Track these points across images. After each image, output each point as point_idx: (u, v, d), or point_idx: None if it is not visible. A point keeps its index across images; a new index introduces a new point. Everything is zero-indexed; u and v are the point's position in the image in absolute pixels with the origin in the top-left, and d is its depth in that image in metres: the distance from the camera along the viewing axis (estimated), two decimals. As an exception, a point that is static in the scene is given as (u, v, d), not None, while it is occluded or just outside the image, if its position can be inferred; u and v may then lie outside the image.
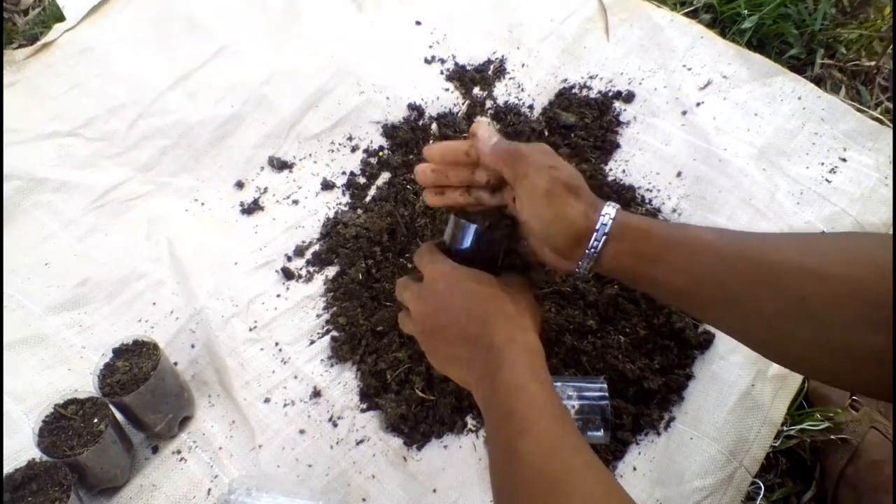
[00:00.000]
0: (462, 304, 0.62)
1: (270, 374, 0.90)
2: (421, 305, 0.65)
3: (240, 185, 1.10)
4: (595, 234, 0.60)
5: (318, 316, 0.96)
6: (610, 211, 0.60)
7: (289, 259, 1.02)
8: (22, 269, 1.00)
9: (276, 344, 0.93)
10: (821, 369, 0.55)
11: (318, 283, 0.99)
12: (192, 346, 0.94)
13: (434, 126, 1.15)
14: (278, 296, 0.98)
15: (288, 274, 1.00)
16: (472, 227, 0.66)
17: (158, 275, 1.00)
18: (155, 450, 0.86)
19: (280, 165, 1.12)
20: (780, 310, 0.53)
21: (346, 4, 1.29)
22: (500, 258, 0.69)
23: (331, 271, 1.00)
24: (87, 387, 0.82)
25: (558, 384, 0.83)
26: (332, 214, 1.06)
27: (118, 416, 0.83)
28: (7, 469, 0.75)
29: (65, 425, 0.79)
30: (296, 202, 1.08)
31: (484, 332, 0.60)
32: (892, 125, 1.13)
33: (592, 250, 0.60)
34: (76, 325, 0.95)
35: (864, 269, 0.50)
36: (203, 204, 1.08)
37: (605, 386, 0.83)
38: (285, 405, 0.88)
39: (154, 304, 0.97)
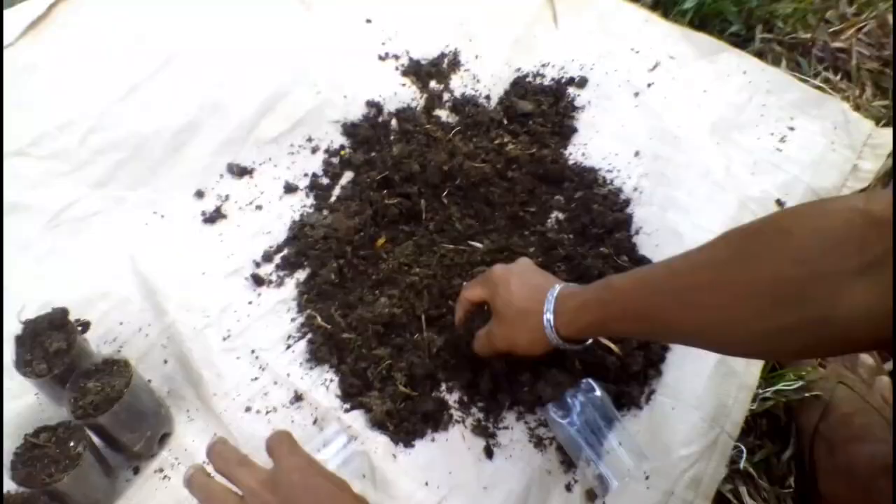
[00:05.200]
0: (313, 500, 0.62)
1: (249, 383, 0.89)
2: (268, 492, 0.62)
3: (200, 194, 1.08)
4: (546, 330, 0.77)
5: (293, 320, 0.95)
6: (554, 292, 0.78)
7: (257, 265, 1.00)
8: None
9: (253, 351, 0.91)
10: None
11: (290, 286, 0.98)
12: (165, 362, 0.91)
13: (394, 122, 1.15)
14: (250, 303, 0.96)
15: (258, 280, 0.98)
16: None
17: (123, 292, 0.96)
18: (136, 470, 0.83)
19: (240, 171, 1.10)
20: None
21: (294, 4, 1.27)
22: None
23: (302, 274, 0.99)
24: (60, 413, 0.79)
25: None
26: (297, 217, 1.05)
27: (95, 439, 0.80)
28: (-19, 504, 0.72)
29: (39, 454, 0.75)
30: (259, 207, 1.06)
31: None
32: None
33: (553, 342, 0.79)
34: (40, 350, 0.92)
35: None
36: (163, 216, 1.06)
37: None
38: (267, 412, 0.87)
39: (121, 323, 0.94)
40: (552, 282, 0.80)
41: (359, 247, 1.00)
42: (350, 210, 1.04)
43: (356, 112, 1.16)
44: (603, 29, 1.28)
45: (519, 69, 1.23)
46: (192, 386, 0.89)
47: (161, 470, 0.83)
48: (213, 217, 1.05)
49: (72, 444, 0.75)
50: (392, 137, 1.13)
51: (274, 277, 0.99)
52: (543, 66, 1.24)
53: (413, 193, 1.05)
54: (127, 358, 0.81)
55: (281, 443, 0.66)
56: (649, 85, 1.20)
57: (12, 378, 0.87)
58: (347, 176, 1.09)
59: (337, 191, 1.08)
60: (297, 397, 0.88)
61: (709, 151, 1.10)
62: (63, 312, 0.83)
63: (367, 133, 1.13)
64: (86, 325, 0.85)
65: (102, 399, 0.78)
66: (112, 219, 1.04)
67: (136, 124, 1.11)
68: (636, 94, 1.19)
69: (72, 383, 0.79)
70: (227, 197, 1.07)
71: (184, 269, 0.98)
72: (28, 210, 1.04)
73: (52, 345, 0.81)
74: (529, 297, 0.79)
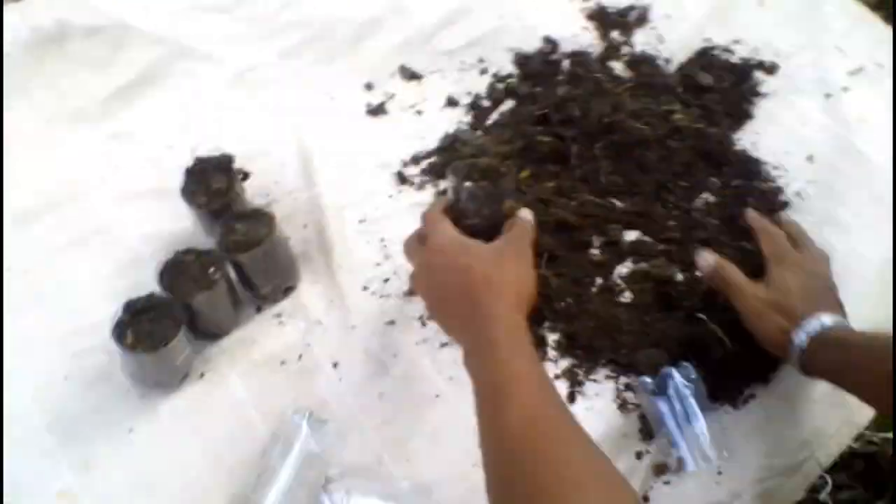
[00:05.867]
0: (455, 279, 0.66)
1: (372, 266, 0.94)
2: (421, 275, 0.71)
3: (369, 86, 1.13)
4: (791, 348, 0.73)
5: (425, 223, 0.99)
6: (811, 328, 0.72)
7: (404, 164, 1.05)
8: (165, 131, 1.07)
9: (382, 240, 0.97)
10: None
11: (428, 192, 1.02)
12: (305, 227, 0.98)
13: (567, 63, 1.14)
14: (390, 196, 1.01)
15: (402, 178, 1.03)
16: (470, 190, 0.73)
17: (283, 156, 1.05)
18: (258, 310, 0.92)
19: (410, 75, 1.14)
20: None
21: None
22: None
23: (442, 185, 1.03)
24: (209, 244, 0.88)
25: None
26: (451, 130, 1.08)
27: (231, 274, 0.89)
28: (131, 296, 0.82)
29: (183, 270, 0.85)
30: (419, 113, 1.10)
31: (471, 309, 0.64)
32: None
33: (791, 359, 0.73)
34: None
35: None
36: (332, 98, 1.12)
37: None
38: (381, 297, 0.92)
39: (276, 182, 1.03)
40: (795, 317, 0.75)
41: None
42: (503, 137, 1.06)
43: (532, 44, 1.16)
44: (811, 17, 1.19)
45: (709, 39, 1.18)
46: (322, 254, 0.96)
47: (279, 315, 0.91)
48: (376, 110, 1.10)
49: (212, 270, 0.84)
50: (560, 77, 1.13)
51: (416, 180, 1.03)
52: (736, 42, 1.18)
53: (567, 136, 1.05)
54: (273, 213, 0.89)
55: (427, 219, 0.72)
56: (845, 89, 1.11)
57: (177, 205, 0.98)
58: (508, 104, 1.11)
59: (495, 115, 1.10)
60: (411, 292, 0.93)
61: (890, 175, 1.02)
62: (228, 159, 0.92)
63: (538, 67, 1.13)
64: (246, 175, 0.94)
65: (245, 241, 0.86)
66: (288, 88, 1.12)
67: (329, 7, 1.17)
68: (827, 96, 1.11)
69: (224, 220, 0.88)
70: (392, 96, 1.12)
71: (339, 150, 1.05)
72: (218, 62, 1.14)
73: (215, 184, 0.90)
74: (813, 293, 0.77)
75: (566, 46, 1.16)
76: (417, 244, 0.74)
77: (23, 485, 0.78)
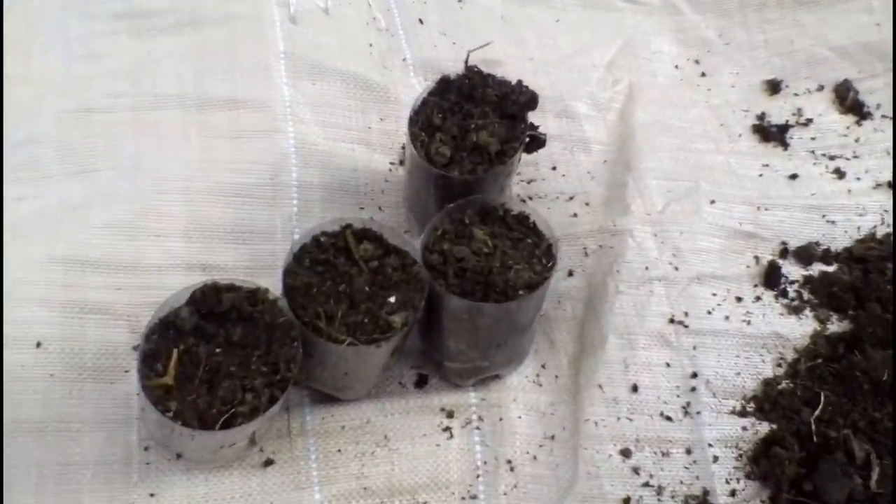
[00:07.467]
0: None
1: (655, 416, 0.48)
2: None
3: (774, 87, 0.65)
4: None
5: (777, 382, 0.50)
6: None
7: (784, 254, 0.56)
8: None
9: (694, 375, 0.50)
10: None
11: (807, 325, 0.53)
12: (570, 275, 0.54)
13: None
14: (739, 300, 0.53)
15: (771, 278, 0.54)
16: None
17: (590, 127, 0.61)
18: (420, 384, 0.49)
19: (851, 103, 0.64)
20: None
21: None
22: None
23: (835, 325, 0.53)
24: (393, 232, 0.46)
25: None
26: (882, 230, 0.58)
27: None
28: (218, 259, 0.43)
29: (338, 274, 0.42)
30: (839, 174, 0.61)
31: None
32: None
33: None
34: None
35: None
36: (704, 75, 0.65)
37: None
38: (646, 484, 0.46)
39: (555, 169, 0.59)
40: None
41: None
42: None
43: None
44: None
45: None
46: (576, 342, 0.51)
47: (450, 415, 0.48)
48: (770, 134, 0.65)
49: (392, 300, 0.41)
50: None
51: (793, 292, 0.54)
52: None
53: None
54: (558, 242, 0.44)
55: None
56: None
57: (377, 128, 0.56)
58: None
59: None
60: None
61: None
62: (532, 97, 0.49)
63: None
64: (537, 140, 0.48)
65: (480, 271, 0.42)
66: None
67: None
68: None
69: (455, 208, 0.45)
70: (806, 122, 0.64)
71: (686, 171, 0.60)
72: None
73: (476, 131, 0.47)
74: None
75: None
76: None
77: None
